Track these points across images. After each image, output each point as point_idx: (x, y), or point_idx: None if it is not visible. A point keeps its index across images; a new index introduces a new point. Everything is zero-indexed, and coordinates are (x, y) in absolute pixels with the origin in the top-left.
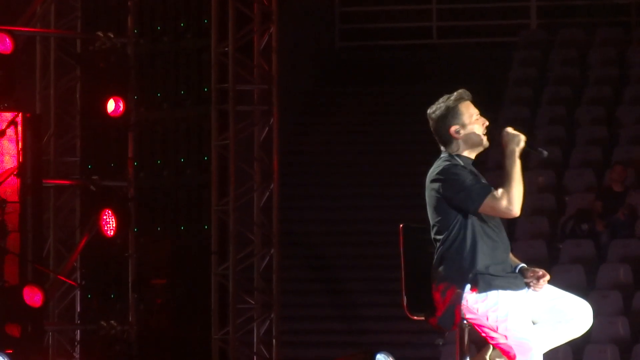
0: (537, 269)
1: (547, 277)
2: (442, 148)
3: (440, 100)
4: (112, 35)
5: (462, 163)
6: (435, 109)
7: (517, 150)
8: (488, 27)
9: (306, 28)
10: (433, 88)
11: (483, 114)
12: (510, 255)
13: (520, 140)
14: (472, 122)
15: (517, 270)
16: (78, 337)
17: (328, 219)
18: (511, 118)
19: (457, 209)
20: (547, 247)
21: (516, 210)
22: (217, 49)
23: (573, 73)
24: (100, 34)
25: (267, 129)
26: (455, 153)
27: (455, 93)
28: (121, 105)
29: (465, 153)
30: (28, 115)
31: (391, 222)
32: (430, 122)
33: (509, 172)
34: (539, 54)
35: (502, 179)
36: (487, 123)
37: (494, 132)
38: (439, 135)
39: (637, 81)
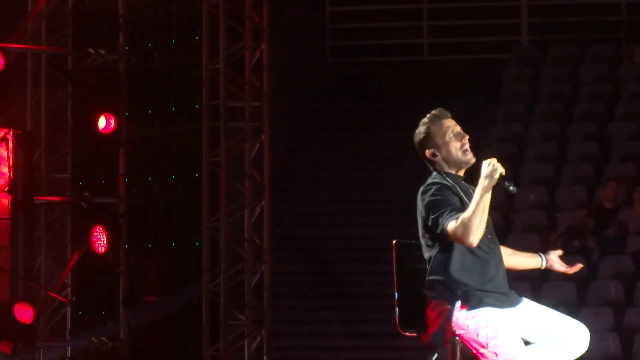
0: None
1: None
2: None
3: (420, 124)
4: (103, 52)
5: (450, 182)
6: (415, 136)
7: (491, 182)
8: (479, 44)
9: (297, 45)
10: (424, 104)
11: (466, 129)
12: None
13: (497, 172)
14: (446, 142)
15: (543, 259)
16: (69, 353)
17: (320, 234)
18: (503, 135)
19: (435, 229)
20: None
21: (472, 240)
22: (209, 66)
23: (565, 89)
24: (91, 50)
25: (258, 145)
26: (444, 172)
27: (428, 115)
28: (112, 121)
29: (451, 171)
30: (19, 132)
31: (384, 239)
32: None
33: (475, 203)
34: (530, 70)
35: (467, 209)
36: (466, 137)
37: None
38: (423, 160)
39: (629, 98)
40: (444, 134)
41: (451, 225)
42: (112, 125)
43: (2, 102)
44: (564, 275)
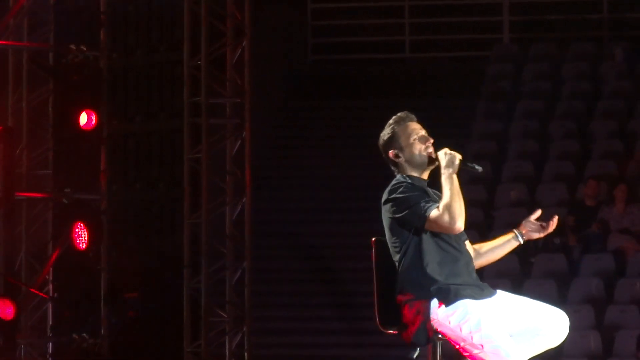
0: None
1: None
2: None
3: (385, 126)
4: (84, 49)
5: (414, 183)
6: (380, 137)
7: (453, 168)
8: (461, 42)
9: (278, 42)
10: (406, 102)
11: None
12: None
13: (455, 159)
14: (409, 143)
15: (518, 236)
16: (50, 350)
17: (301, 232)
18: (484, 132)
19: (407, 228)
20: (519, 261)
21: (459, 224)
22: (190, 63)
23: (546, 87)
24: (73, 47)
25: (239, 142)
26: (407, 174)
27: (393, 117)
28: (94, 118)
29: (415, 174)
30: (0, 128)
31: (365, 236)
32: None
33: (448, 189)
34: (511, 68)
35: (442, 196)
36: (431, 141)
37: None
38: (387, 160)
39: (610, 96)
40: (408, 136)
41: (434, 213)
42: (94, 122)
43: None
44: (545, 273)
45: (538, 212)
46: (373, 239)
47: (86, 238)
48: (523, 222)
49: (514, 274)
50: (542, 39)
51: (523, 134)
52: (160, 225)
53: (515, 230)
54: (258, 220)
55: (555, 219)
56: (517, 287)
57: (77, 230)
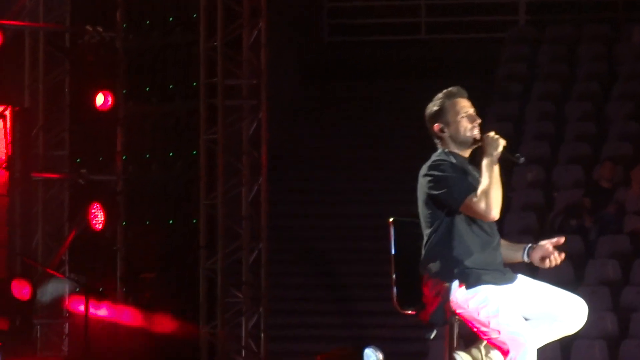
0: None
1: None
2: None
3: (434, 98)
4: (101, 30)
5: (453, 160)
6: (427, 108)
7: (495, 155)
8: (477, 23)
9: (295, 23)
10: (421, 83)
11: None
12: (508, 245)
13: (499, 145)
14: (457, 119)
15: (525, 251)
16: (66, 330)
17: (317, 213)
18: (500, 114)
19: (442, 206)
20: (535, 243)
21: (494, 213)
22: (206, 44)
23: (562, 69)
24: (89, 28)
25: (255, 123)
26: (448, 150)
27: (445, 90)
28: (110, 99)
29: (457, 150)
30: (17, 108)
31: (380, 217)
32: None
33: (488, 177)
34: (527, 50)
35: (481, 183)
36: (478, 120)
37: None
38: (430, 133)
39: (626, 77)
40: (457, 112)
41: (471, 199)
42: (110, 103)
43: (0, 79)
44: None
45: (561, 240)
46: (390, 220)
47: (102, 219)
48: (540, 243)
49: None
50: (558, 21)
51: (539, 115)
52: (176, 205)
53: (526, 246)
54: (274, 201)
55: (561, 256)
56: (533, 268)
57: (93, 211)
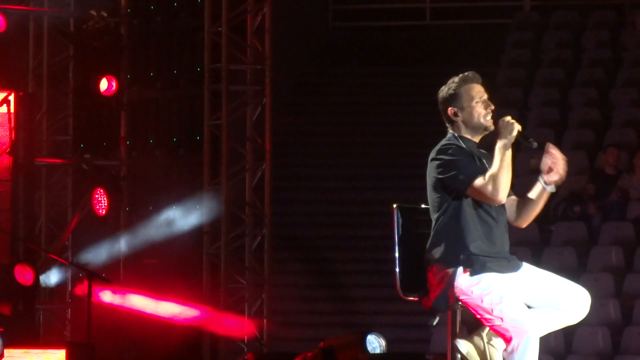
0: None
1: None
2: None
3: (449, 81)
4: (105, 15)
5: (462, 145)
6: (440, 90)
7: (509, 139)
8: (481, 9)
9: (299, 8)
10: (426, 69)
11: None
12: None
13: (514, 129)
14: (471, 105)
15: (542, 182)
16: (69, 315)
17: (320, 199)
18: (504, 100)
19: (449, 189)
20: (539, 229)
21: (501, 197)
22: (211, 29)
23: (566, 55)
24: (93, 13)
25: (259, 109)
26: (459, 134)
27: (460, 75)
28: (114, 84)
29: (468, 135)
30: (21, 93)
31: (384, 203)
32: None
33: (499, 160)
34: (532, 36)
35: (491, 166)
36: (492, 107)
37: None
38: (443, 116)
39: (630, 64)
40: (471, 98)
41: (479, 181)
42: (114, 88)
43: (4, 64)
44: (564, 241)
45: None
46: (394, 205)
47: (106, 204)
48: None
49: (533, 242)
50: (562, 7)
51: (543, 102)
52: (180, 191)
53: (540, 176)
54: (278, 187)
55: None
56: (536, 255)
57: (97, 196)
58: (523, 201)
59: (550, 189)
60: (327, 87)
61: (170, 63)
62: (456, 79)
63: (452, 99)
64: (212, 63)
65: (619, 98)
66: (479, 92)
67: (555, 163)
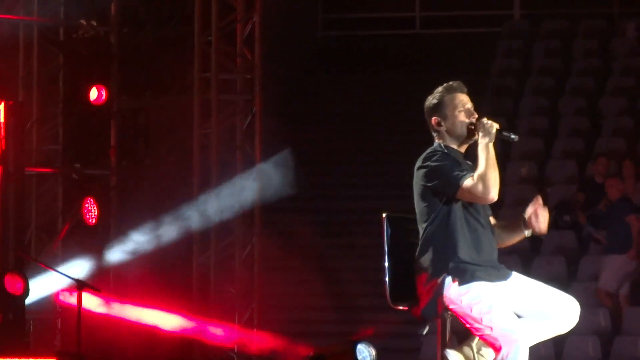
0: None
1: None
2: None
3: (434, 91)
4: (95, 24)
5: (449, 153)
6: (426, 100)
7: (490, 137)
8: (471, 18)
9: (289, 17)
10: (416, 78)
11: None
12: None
13: (492, 128)
14: (454, 113)
15: (522, 226)
16: (59, 325)
17: (311, 208)
18: (494, 108)
19: (438, 196)
20: (529, 238)
21: (493, 194)
22: (200, 38)
23: (556, 64)
24: (83, 22)
25: (249, 118)
26: (444, 144)
27: (445, 84)
28: (104, 93)
29: (453, 145)
30: (10, 102)
31: (374, 212)
32: None
33: (484, 159)
34: (522, 44)
35: (477, 166)
36: (475, 115)
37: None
38: (429, 126)
39: (620, 73)
40: (455, 106)
41: (468, 182)
42: (104, 97)
43: None
44: (554, 250)
45: (535, 205)
46: (383, 215)
47: (96, 213)
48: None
49: (523, 251)
50: (552, 16)
51: (533, 110)
52: (170, 200)
53: (522, 221)
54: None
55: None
56: (526, 264)
57: (86, 205)
58: (498, 231)
59: (528, 233)
60: (316, 95)
61: (160, 72)
62: (440, 88)
63: (436, 108)
64: (202, 72)
65: (609, 107)
66: (462, 100)
67: (537, 218)
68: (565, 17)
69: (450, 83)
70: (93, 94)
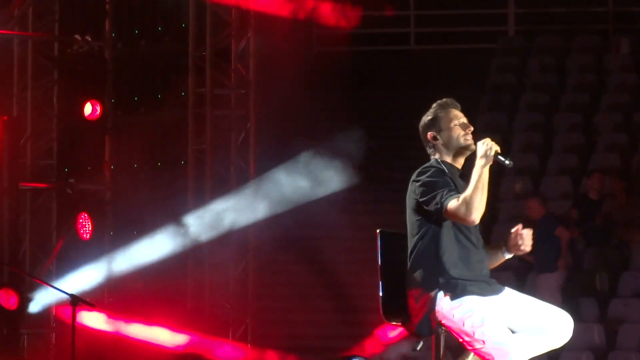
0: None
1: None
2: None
3: (429, 109)
4: (89, 39)
5: (445, 169)
6: (421, 119)
7: (488, 159)
8: (466, 34)
9: (283, 33)
10: (411, 94)
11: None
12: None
13: (491, 150)
14: (449, 126)
15: (503, 249)
16: (53, 340)
17: (306, 223)
18: (489, 124)
19: (428, 212)
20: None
21: (474, 217)
22: (195, 53)
23: (550, 80)
24: (77, 37)
25: (243, 133)
26: (441, 159)
27: (438, 101)
28: (98, 108)
29: (449, 160)
30: (5, 117)
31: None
32: None
33: (474, 181)
34: (516, 60)
35: (467, 187)
36: (471, 128)
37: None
38: (424, 143)
39: (615, 88)
40: (449, 120)
41: (452, 203)
42: (98, 112)
43: None
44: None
45: (517, 227)
46: (377, 231)
47: (90, 228)
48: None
49: (517, 267)
50: (547, 32)
51: (528, 126)
52: (164, 215)
53: (504, 244)
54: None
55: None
56: (520, 280)
57: (81, 220)
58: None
59: (508, 256)
60: (311, 111)
61: (155, 87)
62: (434, 105)
63: (431, 123)
64: (196, 87)
65: (604, 122)
66: (456, 115)
67: (521, 240)
68: (559, 33)
69: (444, 100)
70: (87, 109)
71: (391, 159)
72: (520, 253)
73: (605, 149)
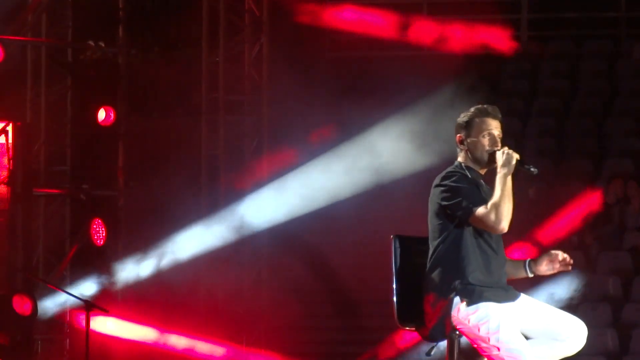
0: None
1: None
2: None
3: (471, 108)
4: (103, 45)
5: (468, 174)
6: (460, 116)
7: (509, 168)
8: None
9: (297, 37)
10: (422, 99)
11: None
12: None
13: (512, 159)
14: (478, 137)
15: (526, 266)
16: (67, 346)
17: (319, 230)
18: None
19: (451, 217)
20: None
21: (503, 225)
22: (208, 59)
23: (563, 85)
24: (91, 43)
25: (257, 138)
26: (465, 164)
27: (480, 105)
28: (112, 114)
29: (472, 165)
30: (18, 124)
31: (382, 234)
32: None
33: (500, 189)
34: (529, 66)
35: (493, 195)
36: (499, 145)
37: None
38: (455, 140)
39: (627, 94)
40: (480, 130)
41: (481, 210)
42: (112, 118)
43: (2, 94)
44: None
45: (557, 253)
46: (392, 236)
47: (104, 234)
48: (540, 257)
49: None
50: (559, 37)
51: (540, 132)
52: (178, 221)
53: (527, 261)
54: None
55: (568, 259)
56: (534, 285)
57: (94, 226)
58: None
59: (530, 274)
60: (323, 116)
61: (168, 93)
62: (474, 108)
63: (464, 126)
64: (210, 93)
65: (616, 128)
66: (489, 125)
67: (557, 263)
68: (571, 39)
69: (486, 106)
70: (101, 115)
71: (402, 163)
72: (549, 272)
73: (618, 154)
